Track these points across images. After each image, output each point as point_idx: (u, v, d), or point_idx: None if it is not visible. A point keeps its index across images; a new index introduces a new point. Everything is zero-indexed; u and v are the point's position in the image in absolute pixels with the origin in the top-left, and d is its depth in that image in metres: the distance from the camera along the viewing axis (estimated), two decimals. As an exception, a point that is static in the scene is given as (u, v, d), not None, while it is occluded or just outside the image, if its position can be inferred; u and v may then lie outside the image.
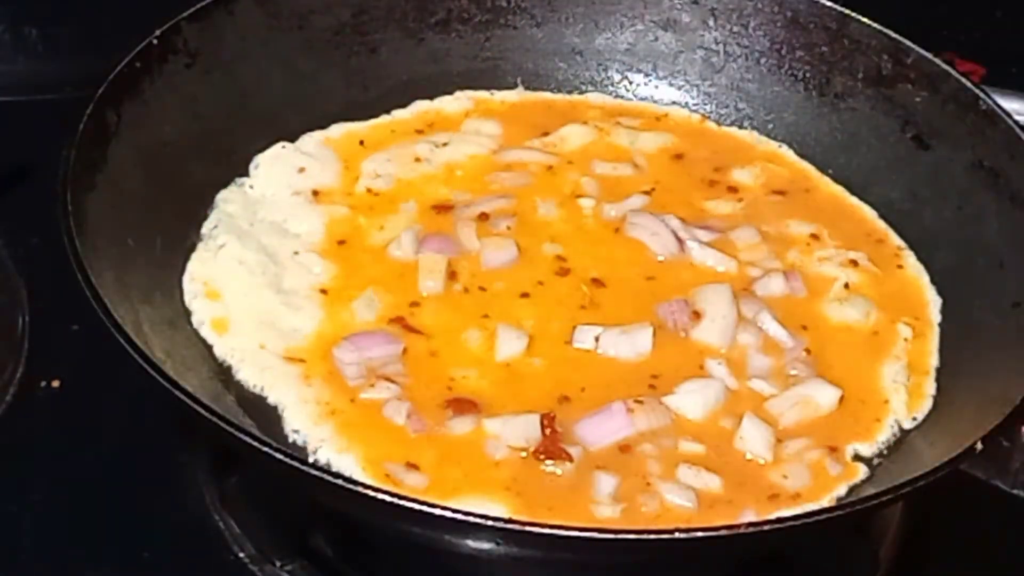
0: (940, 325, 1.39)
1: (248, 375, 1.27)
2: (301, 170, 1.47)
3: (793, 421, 1.27)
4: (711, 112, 1.60)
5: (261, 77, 1.50)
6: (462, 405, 1.25)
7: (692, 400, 1.27)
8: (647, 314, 1.32)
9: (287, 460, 1.07)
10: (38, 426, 1.38)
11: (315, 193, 1.45)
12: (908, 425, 1.29)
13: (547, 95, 1.61)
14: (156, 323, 1.25)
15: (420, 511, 1.05)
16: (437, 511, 1.04)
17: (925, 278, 1.43)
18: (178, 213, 1.37)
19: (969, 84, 1.46)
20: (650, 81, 1.63)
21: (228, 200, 1.42)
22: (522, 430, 1.22)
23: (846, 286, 1.40)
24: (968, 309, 1.37)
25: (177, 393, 1.11)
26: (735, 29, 1.59)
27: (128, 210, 1.31)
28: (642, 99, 1.62)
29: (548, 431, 1.22)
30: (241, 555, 1.30)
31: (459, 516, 1.05)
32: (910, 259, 1.45)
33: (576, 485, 1.20)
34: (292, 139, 1.50)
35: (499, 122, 1.54)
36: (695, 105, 1.61)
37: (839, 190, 1.52)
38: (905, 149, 1.50)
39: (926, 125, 1.49)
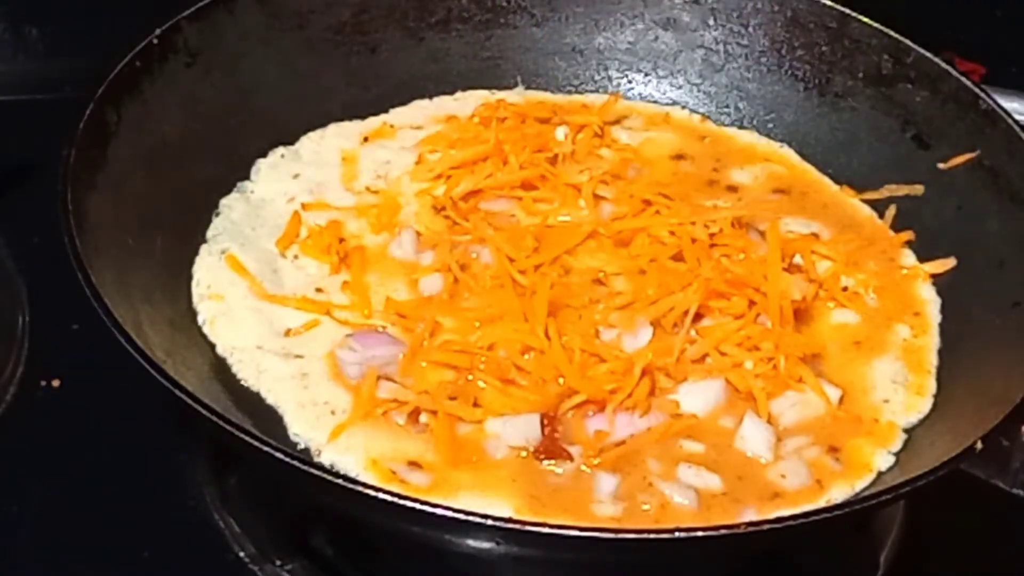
0: (940, 325, 1.39)
1: (248, 375, 1.27)
2: (301, 172, 1.47)
3: (793, 421, 1.27)
4: (711, 112, 1.60)
5: (261, 77, 1.50)
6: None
7: (693, 399, 1.27)
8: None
9: (287, 460, 1.07)
10: (38, 426, 1.38)
11: (315, 194, 1.45)
12: (908, 425, 1.29)
13: (547, 94, 1.62)
14: (156, 323, 1.25)
15: (420, 511, 1.05)
16: (438, 511, 1.05)
17: (925, 278, 1.43)
18: (178, 213, 1.37)
19: (969, 84, 1.46)
20: (650, 80, 1.63)
21: (231, 206, 1.43)
22: (522, 430, 1.22)
23: (845, 288, 1.40)
24: (968, 308, 1.37)
25: (177, 393, 1.11)
26: (735, 29, 1.60)
27: (128, 210, 1.32)
28: (642, 98, 1.62)
29: (548, 430, 1.22)
30: (241, 555, 1.30)
31: (459, 516, 1.05)
32: (910, 259, 1.45)
33: (577, 484, 1.20)
34: (292, 138, 1.50)
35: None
36: (695, 105, 1.61)
37: (839, 190, 1.52)
38: (905, 149, 1.50)
39: (926, 125, 1.49)
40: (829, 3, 1.55)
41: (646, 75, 1.63)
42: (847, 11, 1.54)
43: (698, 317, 1.32)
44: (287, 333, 1.31)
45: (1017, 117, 1.43)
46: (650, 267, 1.37)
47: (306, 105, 1.52)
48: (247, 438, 1.08)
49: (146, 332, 1.21)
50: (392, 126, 1.55)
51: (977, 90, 1.45)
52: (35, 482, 1.34)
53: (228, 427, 1.09)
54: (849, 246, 1.44)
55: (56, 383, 1.41)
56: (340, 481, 1.08)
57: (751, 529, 1.08)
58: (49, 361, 1.43)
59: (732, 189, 1.52)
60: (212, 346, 1.30)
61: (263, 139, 1.49)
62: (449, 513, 1.05)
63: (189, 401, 1.11)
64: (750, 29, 1.59)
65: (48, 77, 1.81)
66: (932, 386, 1.33)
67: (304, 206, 1.43)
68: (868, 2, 1.56)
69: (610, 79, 1.63)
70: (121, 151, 1.33)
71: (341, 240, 1.40)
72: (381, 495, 1.06)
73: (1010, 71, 1.88)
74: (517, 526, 1.06)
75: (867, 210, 1.50)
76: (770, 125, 1.59)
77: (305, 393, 1.26)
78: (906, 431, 1.28)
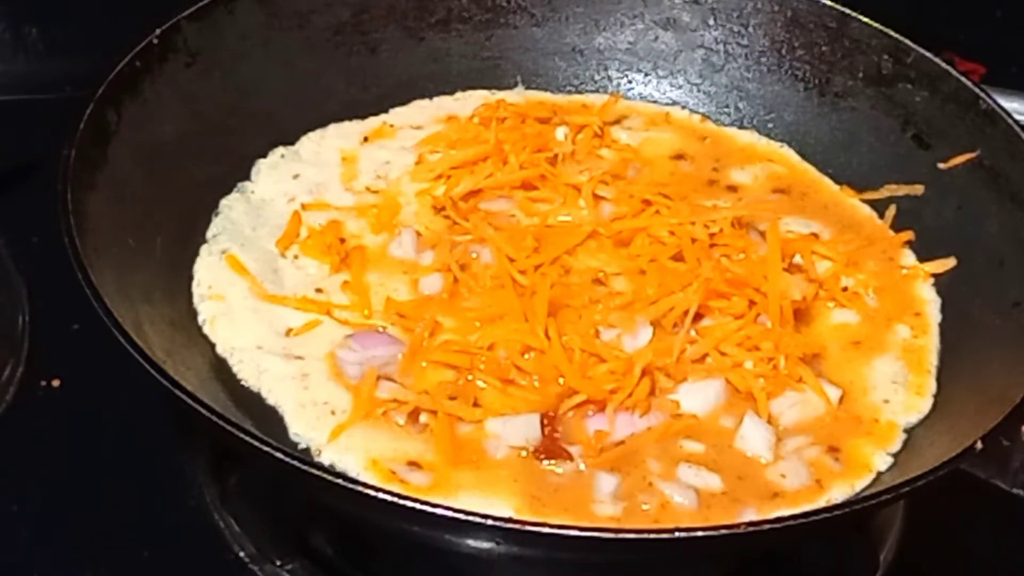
0: (940, 325, 1.39)
1: (248, 375, 1.27)
2: (301, 172, 1.47)
3: (793, 421, 1.27)
4: (711, 112, 1.61)
5: (261, 77, 1.50)
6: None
7: (693, 399, 1.27)
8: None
9: (287, 460, 1.07)
10: (38, 426, 1.38)
11: (315, 194, 1.45)
12: (908, 424, 1.29)
13: (547, 94, 1.62)
14: (156, 323, 1.25)
15: (420, 511, 1.05)
16: (438, 511, 1.05)
17: (925, 278, 1.43)
18: (178, 212, 1.37)
19: (969, 84, 1.46)
20: (650, 80, 1.63)
21: (231, 206, 1.43)
22: (522, 430, 1.22)
23: (844, 288, 1.40)
24: (968, 309, 1.37)
25: (177, 393, 1.11)
26: (735, 29, 1.60)
27: (128, 209, 1.32)
28: (642, 98, 1.62)
29: (548, 430, 1.22)
30: (241, 554, 1.30)
31: (459, 516, 1.05)
32: (910, 259, 1.45)
33: (577, 484, 1.20)
34: (292, 138, 1.50)
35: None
36: (695, 105, 1.61)
37: (839, 190, 1.52)
38: (905, 149, 1.50)
39: (926, 125, 1.49)
40: (829, 3, 1.55)
41: (646, 75, 1.63)
42: (847, 11, 1.54)
43: (698, 317, 1.32)
44: (287, 333, 1.31)
45: (1017, 117, 1.43)
46: (650, 267, 1.37)
47: (306, 105, 1.52)
48: (247, 438, 1.08)
49: (146, 332, 1.21)
50: (392, 126, 1.55)
51: (977, 90, 1.45)
52: (35, 482, 1.34)
53: (228, 427, 1.09)
54: (849, 246, 1.44)
55: (56, 383, 1.41)
56: (340, 481, 1.08)
57: (751, 529, 1.08)
58: (49, 361, 1.43)
59: (732, 189, 1.52)
60: (212, 346, 1.30)
61: (263, 139, 1.49)
62: (449, 513, 1.05)
63: (189, 401, 1.11)
64: (750, 29, 1.59)
65: (48, 77, 1.81)
66: (932, 386, 1.33)
67: (304, 206, 1.43)
68: (868, 2, 1.56)
69: (610, 79, 1.63)
70: (121, 151, 1.33)
71: (341, 240, 1.40)
72: (381, 495, 1.06)
73: (1010, 71, 1.88)
74: (517, 526, 1.06)
75: (867, 210, 1.50)
76: (770, 125, 1.59)
77: (305, 393, 1.26)
78: (906, 431, 1.29)
